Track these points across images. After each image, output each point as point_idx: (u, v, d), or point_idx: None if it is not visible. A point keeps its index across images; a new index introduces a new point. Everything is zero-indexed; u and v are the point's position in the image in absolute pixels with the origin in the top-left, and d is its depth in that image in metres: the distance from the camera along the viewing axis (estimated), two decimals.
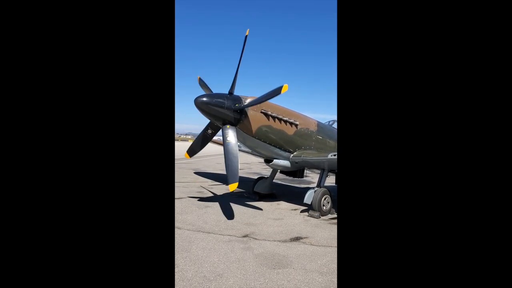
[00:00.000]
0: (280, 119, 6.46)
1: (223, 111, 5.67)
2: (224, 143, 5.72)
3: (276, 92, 5.37)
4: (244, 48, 5.84)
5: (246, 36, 5.96)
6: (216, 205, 6.75)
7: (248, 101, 5.95)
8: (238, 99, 5.84)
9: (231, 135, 5.68)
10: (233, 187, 5.39)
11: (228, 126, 5.74)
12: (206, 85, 6.86)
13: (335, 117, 8.60)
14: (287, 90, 5.29)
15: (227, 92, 5.86)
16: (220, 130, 5.94)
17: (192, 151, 6.69)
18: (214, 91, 6.43)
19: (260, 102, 5.83)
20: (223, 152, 5.69)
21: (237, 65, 5.86)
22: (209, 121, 6.06)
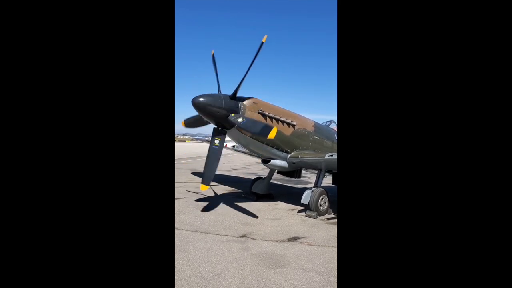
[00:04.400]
0: (277, 120, 6.47)
1: (221, 111, 5.68)
2: (210, 145, 5.83)
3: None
4: (258, 55, 5.44)
5: (263, 42, 5.37)
6: (213, 206, 6.74)
7: (246, 102, 5.97)
8: (236, 107, 5.80)
9: (220, 140, 5.78)
10: (204, 188, 5.74)
11: (219, 129, 5.81)
12: (215, 65, 6.27)
13: (332, 118, 8.64)
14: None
15: (229, 94, 5.84)
16: (226, 136, 5.95)
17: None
18: (214, 91, 6.40)
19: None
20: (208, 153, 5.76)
21: (247, 69, 5.58)
22: (212, 133, 6.04)
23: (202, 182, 5.74)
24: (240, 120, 5.59)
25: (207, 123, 6.28)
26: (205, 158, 5.95)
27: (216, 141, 5.79)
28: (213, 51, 6.24)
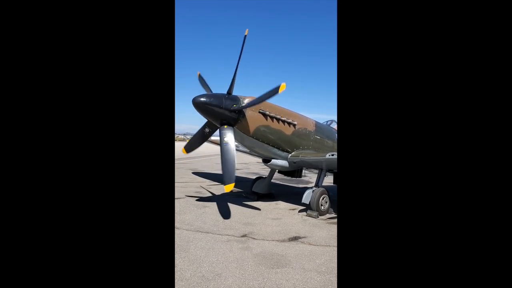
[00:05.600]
0: (278, 119, 6.47)
1: (221, 111, 5.68)
2: (221, 144, 5.74)
3: (274, 91, 5.37)
4: (243, 48, 5.77)
5: (245, 36, 5.82)
6: (214, 205, 6.74)
7: (246, 101, 5.97)
8: (236, 100, 5.85)
9: (229, 136, 5.66)
10: (229, 187, 5.39)
11: (225, 127, 5.75)
12: (206, 83, 6.84)
13: (332, 117, 8.63)
14: (284, 89, 5.26)
15: (225, 92, 5.86)
16: (218, 130, 5.94)
17: (189, 148, 6.67)
18: (214, 91, 6.42)
19: (258, 103, 5.83)
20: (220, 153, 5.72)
21: (235, 65, 5.80)
22: (219, 132, 6.04)
23: (224, 183, 5.45)
24: (246, 101, 5.74)
25: (208, 136, 6.40)
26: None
27: (226, 139, 5.67)
28: (247, 30, 6.10)
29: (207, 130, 6.25)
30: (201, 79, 6.85)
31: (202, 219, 5.63)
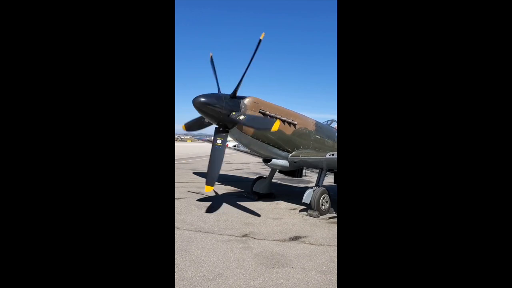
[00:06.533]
0: (278, 119, 6.46)
1: (221, 112, 5.68)
2: (213, 145, 5.84)
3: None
4: (256, 53, 5.51)
5: (260, 40, 5.45)
6: (215, 205, 6.75)
7: (247, 101, 5.97)
8: (237, 106, 5.81)
9: (223, 140, 5.81)
10: (209, 189, 5.78)
11: (220, 130, 5.84)
12: (214, 67, 6.32)
13: (333, 117, 8.62)
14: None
15: (229, 93, 5.84)
16: (228, 136, 5.95)
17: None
18: (212, 90, 6.40)
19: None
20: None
21: (245, 67, 5.63)
22: (213, 133, 6.04)
23: (206, 183, 5.75)
24: (242, 117, 5.60)
25: (207, 125, 6.27)
26: (207, 157, 5.96)
27: (219, 141, 5.80)
28: (211, 54, 6.23)
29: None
30: (212, 62, 6.32)
31: (202, 219, 5.64)
